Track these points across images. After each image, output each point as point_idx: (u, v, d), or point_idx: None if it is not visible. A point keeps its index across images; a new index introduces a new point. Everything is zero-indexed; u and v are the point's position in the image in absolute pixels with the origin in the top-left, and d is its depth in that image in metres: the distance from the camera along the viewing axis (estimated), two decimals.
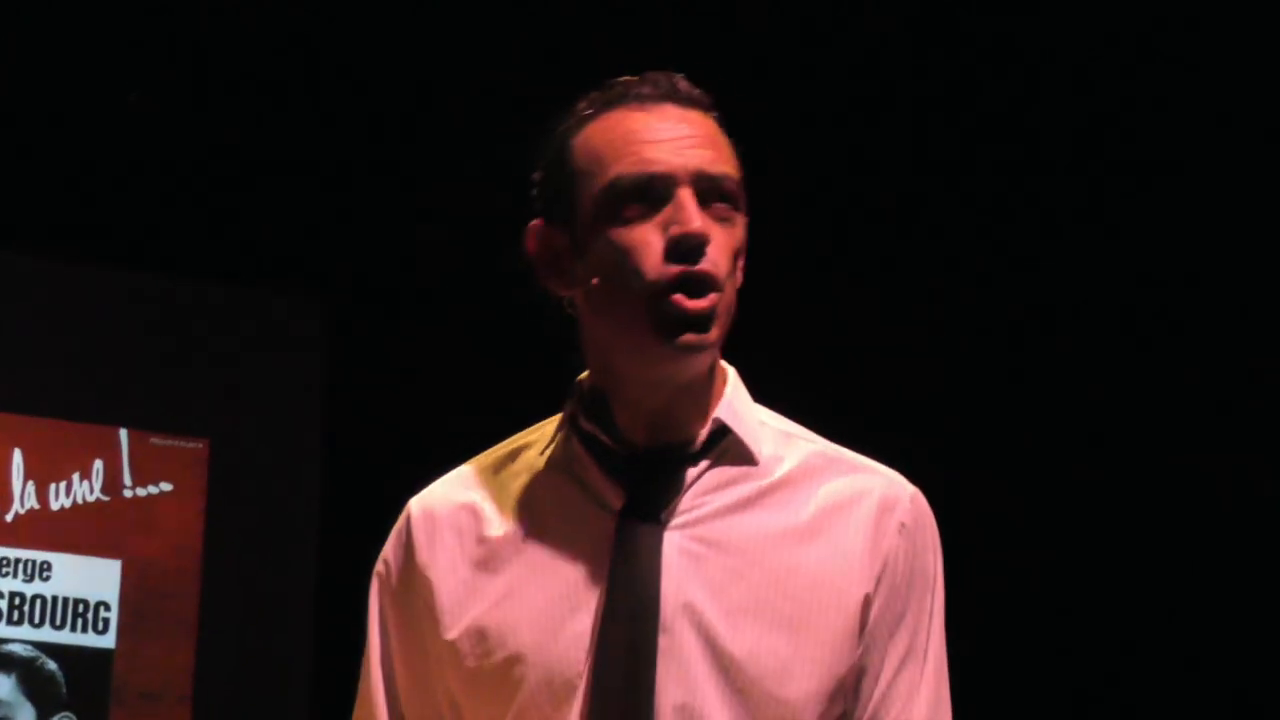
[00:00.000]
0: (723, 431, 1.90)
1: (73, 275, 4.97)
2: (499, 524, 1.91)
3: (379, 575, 1.98)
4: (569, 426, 1.93)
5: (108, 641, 4.86)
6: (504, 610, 1.87)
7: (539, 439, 1.97)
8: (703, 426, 1.90)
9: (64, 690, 4.79)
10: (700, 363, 1.87)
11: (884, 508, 1.90)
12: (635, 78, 1.92)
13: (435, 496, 1.97)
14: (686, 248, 1.82)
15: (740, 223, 1.89)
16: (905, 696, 1.88)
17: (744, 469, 1.90)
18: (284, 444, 5.09)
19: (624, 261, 1.83)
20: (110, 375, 4.97)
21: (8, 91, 4.70)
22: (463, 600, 1.90)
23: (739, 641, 1.82)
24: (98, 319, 4.98)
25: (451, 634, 1.89)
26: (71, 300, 4.97)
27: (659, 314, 1.82)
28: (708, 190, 1.86)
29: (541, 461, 1.94)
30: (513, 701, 1.84)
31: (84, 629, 4.83)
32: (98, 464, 4.93)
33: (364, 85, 4.86)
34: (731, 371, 1.96)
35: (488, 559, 1.90)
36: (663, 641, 1.81)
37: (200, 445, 5.03)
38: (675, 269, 1.82)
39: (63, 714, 4.78)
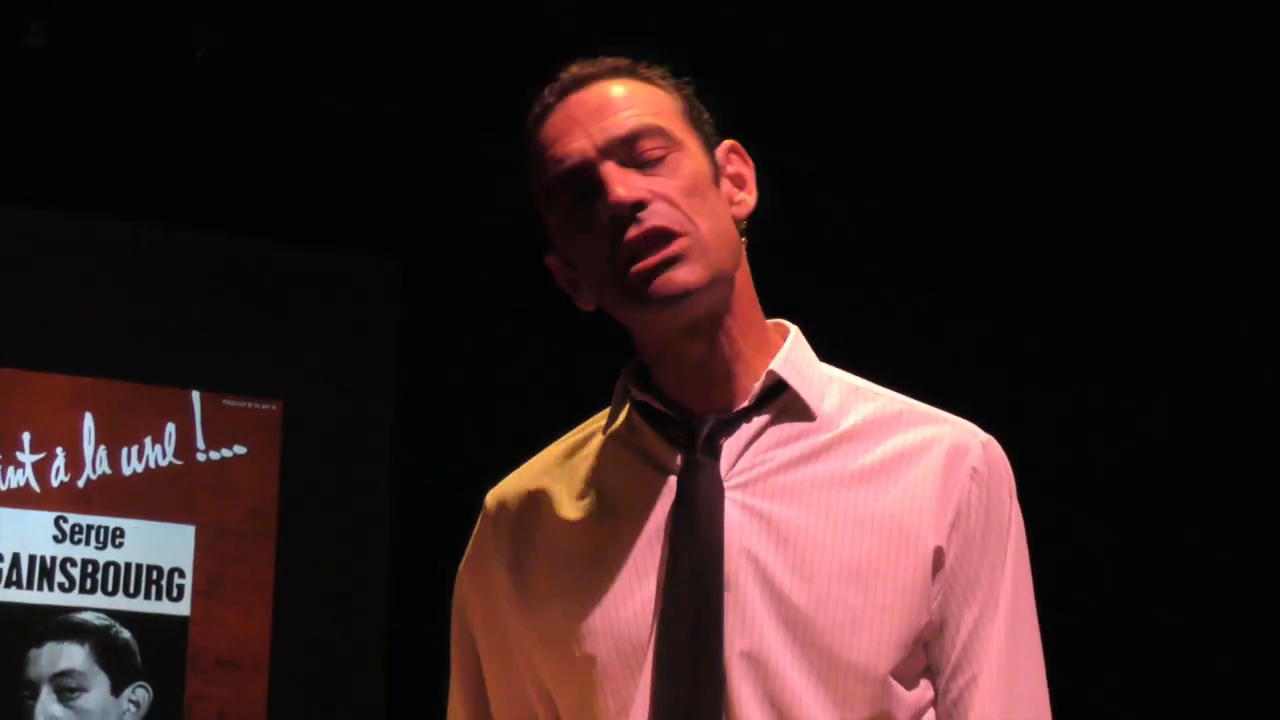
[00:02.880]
0: (780, 387, 1.87)
1: (142, 236, 4.93)
2: (569, 506, 1.92)
3: (460, 578, 2.00)
4: (626, 400, 1.92)
5: (182, 609, 4.81)
6: (575, 589, 1.87)
7: (605, 421, 1.96)
8: (756, 382, 1.87)
9: (138, 659, 4.74)
10: (701, 299, 1.82)
11: (955, 454, 1.85)
12: (567, 72, 1.91)
13: (508, 488, 1.99)
14: (620, 222, 1.80)
15: (684, 159, 1.84)
16: (985, 650, 1.83)
17: (804, 424, 1.87)
18: (358, 405, 5.04)
19: (591, 266, 1.85)
20: (182, 337, 4.92)
21: (79, 53, 4.66)
22: (537, 586, 1.90)
23: (806, 593, 1.79)
24: (169, 280, 4.94)
25: (529, 620, 1.90)
26: (143, 262, 4.93)
27: (628, 290, 1.81)
28: (628, 150, 1.83)
29: (604, 440, 1.94)
30: (589, 677, 1.83)
31: (158, 596, 4.78)
32: (170, 427, 4.88)
33: (439, 47, 4.80)
34: (794, 329, 1.94)
35: (559, 541, 1.91)
36: (728, 598, 1.79)
37: (274, 407, 4.98)
38: (625, 249, 1.80)
39: (138, 683, 4.74)
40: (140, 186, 4.86)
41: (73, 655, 4.68)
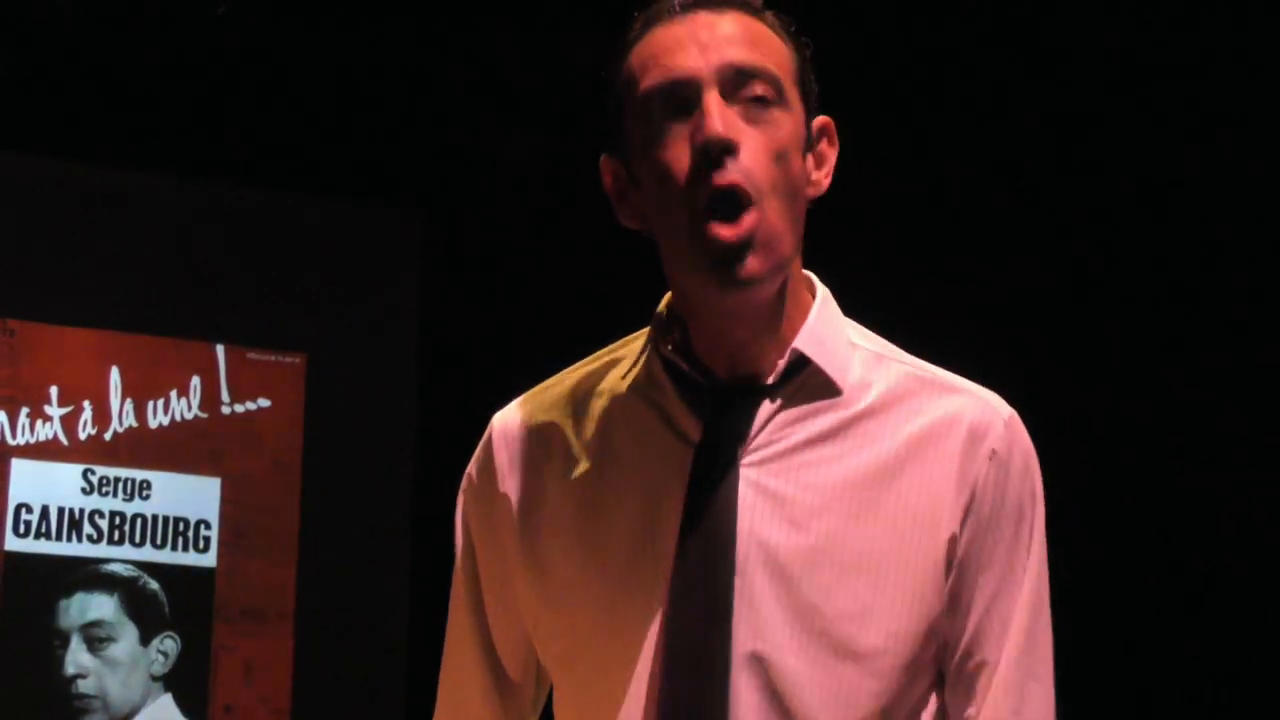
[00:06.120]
0: (802, 362, 1.82)
1: (167, 190, 4.95)
2: (578, 446, 1.87)
3: (464, 490, 1.96)
4: (651, 349, 1.87)
5: (209, 560, 4.85)
6: (573, 542, 1.84)
7: (626, 355, 1.92)
8: (781, 357, 1.82)
9: (166, 610, 4.79)
10: (763, 290, 1.77)
11: (974, 435, 1.80)
12: None
13: (517, 417, 1.93)
14: (706, 157, 1.73)
15: (786, 118, 1.78)
16: (999, 633, 1.79)
17: (826, 401, 1.81)
18: (381, 357, 5.07)
19: (662, 187, 1.77)
20: (206, 291, 4.95)
21: (104, 6, 4.67)
22: (539, 524, 1.87)
23: (815, 583, 1.75)
24: (193, 234, 4.96)
25: (527, 555, 1.87)
26: (166, 216, 4.94)
27: (700, 247, 1.74)
28: (738, 85, 1.77)
29: (624, 384, 1.88)
30: (579, 628, 1.81)
31: (185, 548, 4.83)
32: (195, 381, 4.91)
33: None
34: (821, 290, 1.88)
35: (564, 482, 1.86)
36: (737, 583, 1.75)
37: (297, 360, 5.01)
38: (704, 192, 1.73)
39: (165, 633, 4.78)
40: (164, 140, 4.87)
41: (102, 606, 4.73)
